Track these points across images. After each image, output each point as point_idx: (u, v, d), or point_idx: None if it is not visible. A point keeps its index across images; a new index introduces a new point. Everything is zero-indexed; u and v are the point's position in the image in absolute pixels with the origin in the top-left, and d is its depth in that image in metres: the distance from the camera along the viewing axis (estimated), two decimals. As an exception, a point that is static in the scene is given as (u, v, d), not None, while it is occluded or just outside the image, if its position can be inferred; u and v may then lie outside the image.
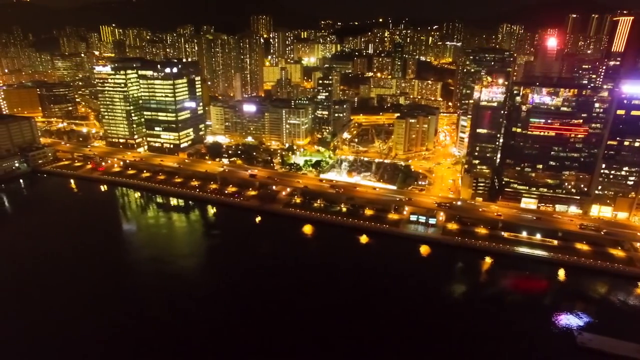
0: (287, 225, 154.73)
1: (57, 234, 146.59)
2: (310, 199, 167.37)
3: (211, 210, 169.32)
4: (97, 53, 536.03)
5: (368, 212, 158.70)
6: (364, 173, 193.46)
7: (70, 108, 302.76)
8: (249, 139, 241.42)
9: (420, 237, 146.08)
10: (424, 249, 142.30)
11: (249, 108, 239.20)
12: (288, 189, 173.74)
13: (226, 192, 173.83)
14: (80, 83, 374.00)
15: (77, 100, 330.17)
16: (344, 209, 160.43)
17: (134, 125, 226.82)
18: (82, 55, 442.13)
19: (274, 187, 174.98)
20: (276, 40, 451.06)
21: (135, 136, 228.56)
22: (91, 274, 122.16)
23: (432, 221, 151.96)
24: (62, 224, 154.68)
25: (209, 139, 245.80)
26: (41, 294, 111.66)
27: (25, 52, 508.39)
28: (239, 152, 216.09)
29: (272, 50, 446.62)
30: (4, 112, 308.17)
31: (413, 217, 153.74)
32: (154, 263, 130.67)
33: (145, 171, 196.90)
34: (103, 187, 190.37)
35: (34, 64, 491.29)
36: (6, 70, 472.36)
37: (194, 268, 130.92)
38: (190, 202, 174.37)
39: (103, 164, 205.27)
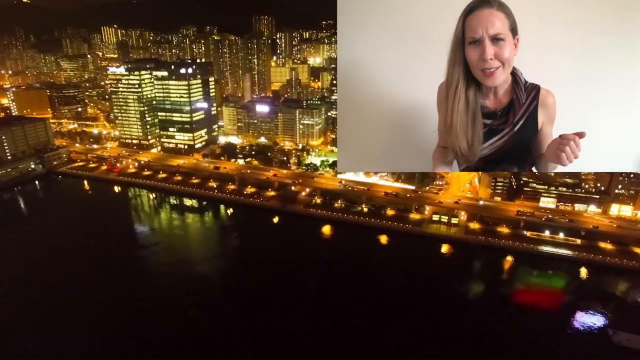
0: (309, 225, 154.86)
1: (76, 236, 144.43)
2: (330, 199, 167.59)
3: (230, 212, 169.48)
4: (100, 54, 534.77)
5: (390, 212, 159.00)
6: (380, 173, 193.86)
7: (79, 109, 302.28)
8: (262, 139, 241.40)
9: (443, 237, 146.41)
10: (446, 248, 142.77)
11: (262, 109, 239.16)
12: (307, 189, 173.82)
13: (245, 192, 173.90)
14: (87, 84, 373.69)
15: (85, 101, 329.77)
16: (365, 209, 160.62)
17: (148, 126, 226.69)
18: (89, 56, 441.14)
19: (293, 188, 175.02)
20: (282, 40, 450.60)
21: (149, 137, 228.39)
22: (112, 276, 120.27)
23: (454, 220, 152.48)
24: (80, 226, 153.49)
25: (221, 139, 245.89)
26: (59, 296, 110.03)
27: (27, 53, 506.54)
28: (254, 152, 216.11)
29: (278, 51, 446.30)
30: (14, 114, 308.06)
31: (435, 217, 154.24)
32: (177, 264, 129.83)
33: (161, 172, 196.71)
34: (118, 188, 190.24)
35: (38, 65, 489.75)
36: (10, 72, 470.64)
37: (217, 269, 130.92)
38: (208, 203, 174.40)
39: (118, 165, 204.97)
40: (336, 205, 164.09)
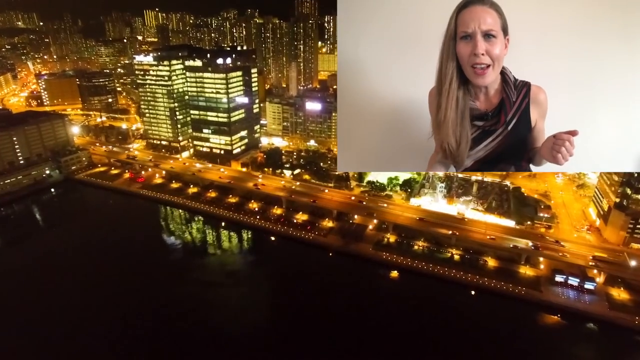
0: (380, 276, 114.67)
1: (94, 259, 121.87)
2: (406, 236, 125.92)
3: (275, 245, 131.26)
4: (140, 38, 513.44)
5: (491, 262, 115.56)
6: (463, 197, 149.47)
7: (110, 100, 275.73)
8: (312, 142, 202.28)
9: (573, 310, 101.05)
10: (579, 329, 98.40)
11: (313, 106, 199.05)
12: (375, 221, 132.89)
13: (295, 220, 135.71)
14: (121, 71, 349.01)
15: (118, 89, 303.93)
16: (457, 257, 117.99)
17: (179, 126, 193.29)
18: (125, 40, 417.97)
19: (356, 217, 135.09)
20: (330, 24, 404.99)
21: (180, 138, 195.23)
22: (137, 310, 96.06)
23: (588, 285, 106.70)
24: (99, 247, 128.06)
25: (264, 141, 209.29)
26: (79, 319, 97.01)
27: (73, 38, 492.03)
28: (303, 161, 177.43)
29: (325, 36, 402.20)
30: (45, 104, 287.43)
31: (559, 278, 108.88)
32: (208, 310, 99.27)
33: (192, 185, 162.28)
34: (143, 203, 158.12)
35: (79, 50, 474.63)
36: (55, 57, 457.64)
37: (260, 325, 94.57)
38: (249, 231, 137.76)
39: (143, 173, 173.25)
40: (416, 247, 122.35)
